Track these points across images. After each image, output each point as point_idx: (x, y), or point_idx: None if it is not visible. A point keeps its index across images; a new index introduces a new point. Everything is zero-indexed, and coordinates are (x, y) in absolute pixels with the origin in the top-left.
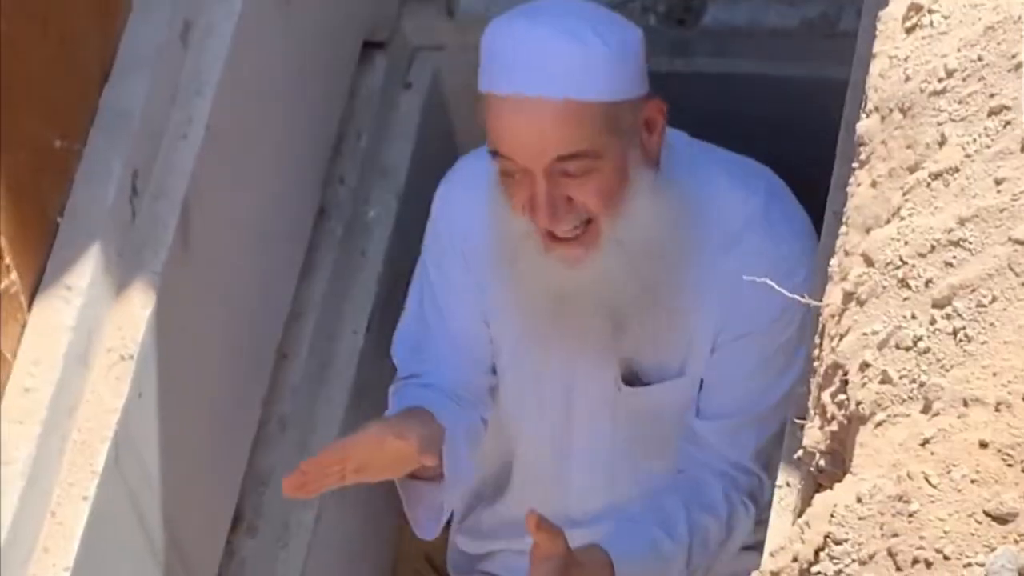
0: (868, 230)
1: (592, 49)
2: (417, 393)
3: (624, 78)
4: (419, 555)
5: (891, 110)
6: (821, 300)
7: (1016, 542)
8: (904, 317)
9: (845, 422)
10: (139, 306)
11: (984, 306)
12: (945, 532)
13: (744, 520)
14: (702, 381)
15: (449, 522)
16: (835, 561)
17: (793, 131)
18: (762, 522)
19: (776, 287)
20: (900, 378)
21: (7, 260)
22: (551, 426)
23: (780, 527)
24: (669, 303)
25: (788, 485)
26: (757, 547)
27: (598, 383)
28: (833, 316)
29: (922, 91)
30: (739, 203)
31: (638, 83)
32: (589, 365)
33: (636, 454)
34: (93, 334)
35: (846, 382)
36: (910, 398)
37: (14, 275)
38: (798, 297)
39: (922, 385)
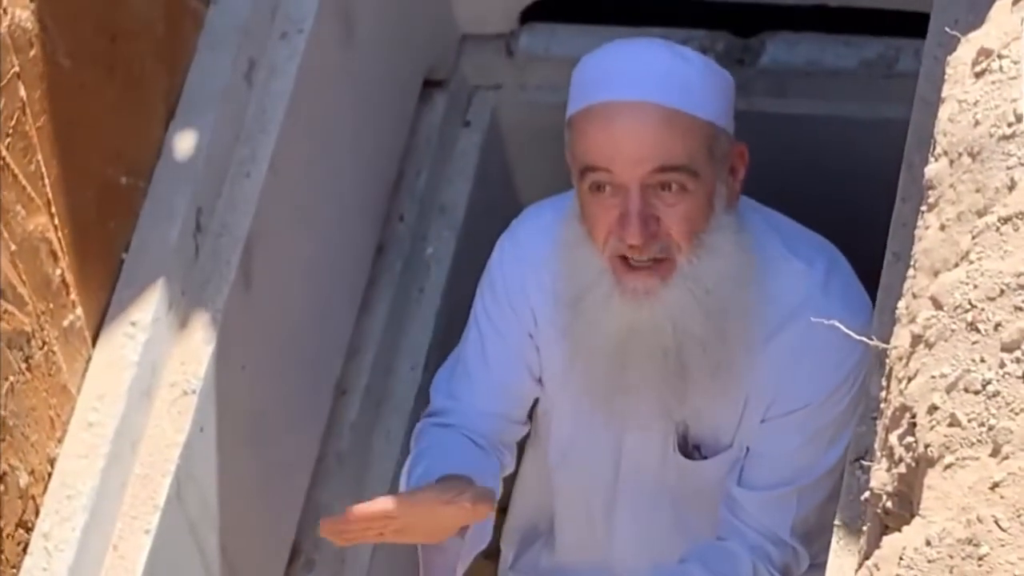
0: (936, 273)
1: (696, 68)
2: (440, 438)
3: (723, 106)
4: None
5: (960, 154)
6: (881, 339)
7: None
8: (973, 361)
9: (913, 464)
10: (202, 342)
11: None
12: None
13: None
14: (747, 448)
15: (497, 561)
16: None
17: (851, 170)
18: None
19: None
20: (969, 421)
21: (72, 296)
22: (596, 485)
23: (840, 566)
24: (730, 352)
25: (846, 525)
26: None
27: (651, 446)
28: (901, 359)
29: (991, 135)
30: (799, 277)
31: (731, 120)
32: (645, 425)
33: (680, 517)
34: (156, 369)
35: (914, 424)
36: (979, 441)
37: (79, 311)
38: (865, 339)
39: (991, 429)
